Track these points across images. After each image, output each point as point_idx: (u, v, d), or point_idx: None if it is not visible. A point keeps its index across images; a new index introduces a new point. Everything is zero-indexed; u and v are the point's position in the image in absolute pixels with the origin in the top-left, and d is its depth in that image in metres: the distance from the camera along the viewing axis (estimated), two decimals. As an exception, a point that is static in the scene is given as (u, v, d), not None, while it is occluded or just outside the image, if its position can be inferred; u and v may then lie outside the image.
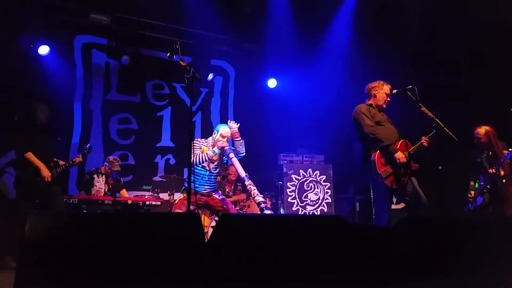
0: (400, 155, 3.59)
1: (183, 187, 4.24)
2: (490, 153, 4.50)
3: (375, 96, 3.89)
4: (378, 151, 3.61)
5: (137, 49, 6.35)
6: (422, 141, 3.75)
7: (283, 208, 6.01)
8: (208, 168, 4.08)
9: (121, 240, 1.61)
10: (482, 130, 4.52)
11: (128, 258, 1.57)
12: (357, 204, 6.21)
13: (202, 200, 4.03)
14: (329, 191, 6.39)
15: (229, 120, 4.24)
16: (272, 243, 2.09)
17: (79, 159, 4.47)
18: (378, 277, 2.25)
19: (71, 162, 4.43)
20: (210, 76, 6.58)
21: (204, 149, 4.04)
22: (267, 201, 5.76)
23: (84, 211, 4.35)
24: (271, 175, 6.46)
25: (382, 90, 3.88)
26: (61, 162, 4.37)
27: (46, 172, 4.07)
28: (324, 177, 6.41)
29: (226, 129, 4.13)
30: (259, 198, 3.83)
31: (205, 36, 6.64)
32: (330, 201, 6.36)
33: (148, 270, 1.64)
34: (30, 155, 4.07)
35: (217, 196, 4.17)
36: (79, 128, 6.04)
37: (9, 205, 4.82)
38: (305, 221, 2.63)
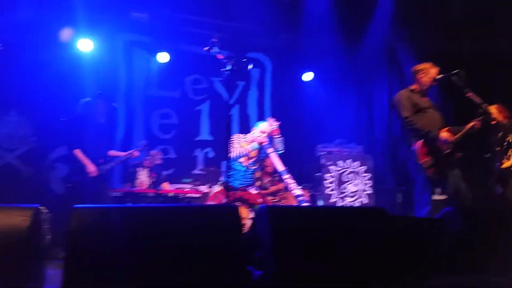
0: (445, 134, 3.44)
1: (219, 182, 4.34)
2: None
3: (419, 80, 3.73)
4: (420, 140, 3.50)
5: (176, 45, 6.49)
6: (472, 123, 3.56)
7: (322, 200, 5.97)
8: (245, 164, 4.13)
9: (161, 232, 1.69)
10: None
11: (169, 249, 1.64)
12: (399, 195, 6.05)
13: (237, 194, 4.08)
14: (369, 182, 6.26)
15: (269, 118, 4.28)
16: (309, 235, 2.10)
17: (136, 153, 4.68)
18: (420, 270, 2.20)
19: (129, 154, 4.65)
20: (251, 66, 6.58)
21: (242, 144, 4.09)
22: (305, 193, 5.74)
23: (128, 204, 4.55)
24: (309, 167, 6.42)
25: (428, 75, 3.69)
26: (122, 154, 4.57)
27: (91, 168, 4.26)
28: (364, 167, 6.29)
29: (265, 126, 4.16)
30: (298, 191, 3.85)
31: (241, 28, 6.67)
32: (370, 192, 6.24)
33: (187, 261, 1.71)
34: (77, 152, 4.28)
35: (252, 191, 4.22)
36: (123, 124, 6.29)
37: (58, 199, 5.11)
38: (344, 212, 2.62)
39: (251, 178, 4.25)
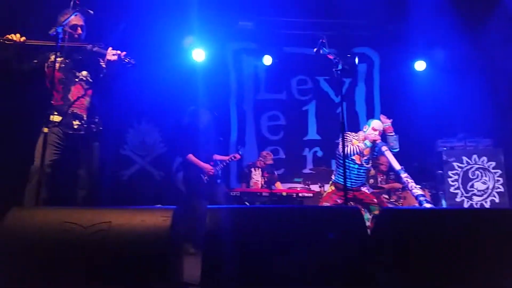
0: None
1: (331, 181, 4.29)
2: None
3: None
4: None
5: (280, 48, 6.63)
6: None
7: (445, 200, 5.50)
8: (358, 162, 4.03)
9: (287, 232, 1.74)
10: None
11: (295, 250, 1.68)
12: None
13: (350, 194, 3.99)
14: (500, 179, 5.57)
15: (381, 115, 4.13)
16: (434, 238, 1.96)
17: (238, 156, 4.94)
18: None
19: (232, 158, 4.92)
20: (356, 60, 6.38)
21: (354, 142, 4.01)
22: (426, 193, 5.37)
23: (246, 203, 4.79)
24: (429, 164, 5.97)
25: None
26: (225, 157, 4.87)
27: (207, 167, 4.55)
28: (494, 163, 5.62)
29: (378, 123, 4.03)
30: (418, 191, 3.64)
31: (345, 24, 6.50)
32: (502, 190, 5.55)
33: (313, 262, 1.73)
34: (191, 157, 4.62)
35: (366, 190, 4.10)
36: (236, 127, 6.65)
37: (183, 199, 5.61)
38: (473, 214, 2.37)
39: (364, 177, 4.14)
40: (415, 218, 2.10)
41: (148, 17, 5.48)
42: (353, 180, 4.04)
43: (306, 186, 5.53)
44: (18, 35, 2.91)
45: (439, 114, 6.34)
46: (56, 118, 2.95)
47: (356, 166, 4.03)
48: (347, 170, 3.96)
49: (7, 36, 2.88)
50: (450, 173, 5.62)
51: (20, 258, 1.78)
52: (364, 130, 4.08)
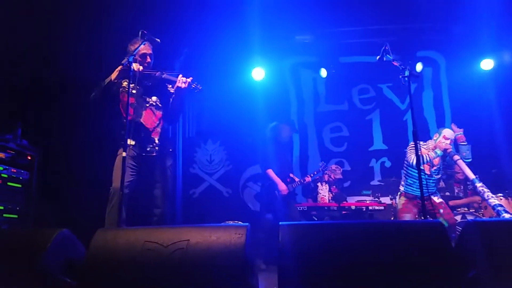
0: None
1: (399, 192, 4.16)
2: None
3: None
4: None
5: (338, 58, 6.54)
6: None
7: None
8: (427, 172, 3.86)
9: (364, 248, 1.68)
10: None
11: (375, 267, 1.62)
12: None
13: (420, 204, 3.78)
14: None
15: (452, 124, 3.96)
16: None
17: (308, 179, 4.91)
18: None
19: (302, 181, 4.87)
20: (420, 66, 6.09)
21: (423, 151, 3.87)
22: (507, 202, 4.92)
23: (314, 217, 4.71)
24: (508, 171, 5.48)
25: None
26: (296, 179, 4.85)
27: (282, 187, 4.57)
28: None
29: (449, 132, 3.89)
30: (494, 200, 3.44)
31: (408, 28, 6.26)
32: None
33: (395, 280, 1.65)
34: (270, 172, 4.65)
35: (436, 199, 3.90)
36: (298, 142, 6.62)
37: (252, 214, 5.69)
38: None
39: (433, 187, 3.96)
40: (502, 231, 1.93)
41: (209, 41, 5.72)
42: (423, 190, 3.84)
43: (376, 199, 5.33)
44: (137, 64, 3.10)
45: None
46: (131, 141, 3.06)
47: (426, 177, 3.85)
48: (416, 180, 3.82)
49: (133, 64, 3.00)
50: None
51: (106, 278, 1.89)
52: (435, 138, 3.93)
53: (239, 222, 3.71)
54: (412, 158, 3.87)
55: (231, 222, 3.39)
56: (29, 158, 4.24)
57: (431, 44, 6.61)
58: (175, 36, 5.24)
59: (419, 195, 3.73)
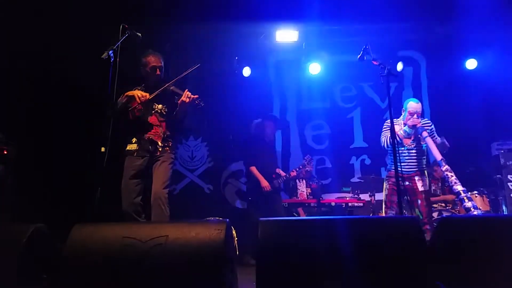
0: None
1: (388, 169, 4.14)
2: None
3: None
4: None
5: (322, 57, 6.57)
6: None
7: (505, 206, 5.17)
8: (405, 143, 3.89)
9: (343, 243, 1.71)
10: None
11: (353, 261, 1.65)
12: None
13: (404, 185, 3.76)
14: None
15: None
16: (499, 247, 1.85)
17: (293, 173, 4.95)
18: None
19: (288, 175, 4.91)
20: (400, 66, 6.18)
21: (396, 129, 3.86)
22: (484, 199, 5.07)
23: (294, 214, 4.75)
24: (485, 168, 5.65)
25: None
26: (282, 173, 4.88)
27: (264, 183, 4.60)
28: (559, 165, 5.21)
29: (413, 105, 3.89)
30: (458, 187, 3.46)
31: (389, 28, 6.34)
32: None
33: (374, 274, 1.69)
34: (253, 169, 4.67)
35: (419, 185, 3.86)
36: (280, 139, 6.65)
37: (234, 211, 5.70)
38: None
39: (415, 162, 3.94)
40: (475, 227, 2.00)
41: (191, 36, 5.69)
42: (407, 166, 3.87)
43: (356, 196, 5.40)
44: (142, 92, 3.31)
45: (493, 116, 6.00)
46: (133, 146, 3.34)
47: (406, 148, 3.89)
48: (399, 155, 3.65)
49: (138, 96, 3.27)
50: (509, 177, 5.27)
51: (84, 273, 1.87)
52: (402, 114, 3.97)
53: (219, 218, 3.71)
54: (383, 140, 3.93)
55: (211, 219, 3.39)
56: (5, 152, 4.15)
57: (412, 44, 6.72)
58: (158, 31, 5.19)
59: (404, 173, 3.65)
